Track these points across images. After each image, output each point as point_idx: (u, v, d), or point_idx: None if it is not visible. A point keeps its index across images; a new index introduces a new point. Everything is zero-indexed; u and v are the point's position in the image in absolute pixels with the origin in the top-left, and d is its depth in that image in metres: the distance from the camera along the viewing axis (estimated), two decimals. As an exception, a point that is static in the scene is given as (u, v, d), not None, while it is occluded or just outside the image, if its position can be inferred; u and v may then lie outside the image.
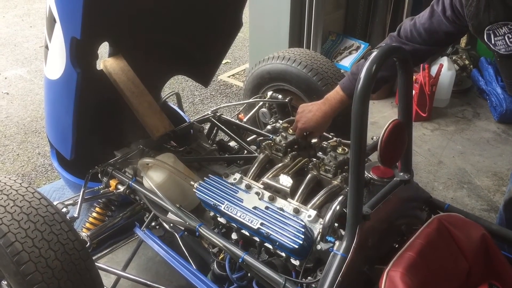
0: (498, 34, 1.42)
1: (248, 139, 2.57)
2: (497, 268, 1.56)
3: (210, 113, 2.65)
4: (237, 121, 2.68)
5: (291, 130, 2.04)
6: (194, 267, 1.93)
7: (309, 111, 1.98)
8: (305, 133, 2.03)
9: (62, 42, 1.76)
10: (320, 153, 1.92)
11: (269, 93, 2.77)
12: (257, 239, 1.71)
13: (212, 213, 1.85)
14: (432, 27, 1.67)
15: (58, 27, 1.77)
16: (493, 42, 1.44)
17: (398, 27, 1.80)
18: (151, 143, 2.27)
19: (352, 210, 1.46)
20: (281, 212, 1.65)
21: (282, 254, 1.66)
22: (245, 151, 2.42)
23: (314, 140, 2.05)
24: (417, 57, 1.75)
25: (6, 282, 1.67)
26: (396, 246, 1.65)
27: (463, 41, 4.46)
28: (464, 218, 1.66)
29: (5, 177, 1.75)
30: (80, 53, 1.76)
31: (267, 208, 1.67)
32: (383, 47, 1.41)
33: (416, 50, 1.72)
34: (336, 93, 1.93)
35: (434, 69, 3.91)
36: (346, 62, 4.30)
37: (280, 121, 2.31)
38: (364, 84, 1.34)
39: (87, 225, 2.18)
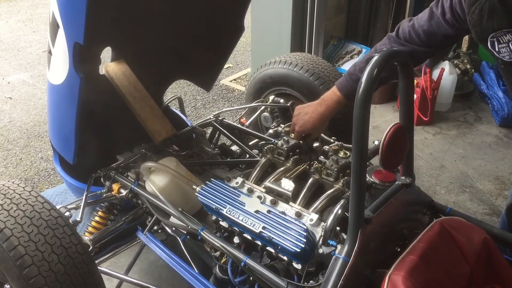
0: (502, 42, 1.41)
1: (250, 143, 2.58)
2: (499, 272, 1.56)
3: (212, 117, 2.65)
4: (239, 125, 2.68)
5: (292, 135, 2.05)
6: (196, 271, 1.93)
7: (305, 114, 1.97)
8: (303, 135, 2.03)
9: (65, 47, 1.77)
10: (321, 157, 1.93)
11: (271, 97, 2.78)
12: (259, 243, 1.72)
13: (214, 217, 1.85)
14: (431, 30, 1.66)
15: (61, 33, 1.78)
16: (497, 49, 1.43)
17: (396, 27, 1.78)
18: (154, 147, 2.28)
19: (354, 214, 1.46)
20: (283, 216, 1.65)
21: (284, 258, 1.66)
22: (247, 155, 2.43)
23: (316, 144, 2.06)
24: (416, 59, 1.74)
25: (9, 286, 1.67)
26: (398, 249, 1.65)
27: (465, 45, 4.46)
28: (466, 222, 1.66)
29: (8, 181, 1.76)
30: (83, 58, 1.77)
31: (269, 212, 1.68)
32: (385, 51, 1.41)
33: (415, 51, 1.71)
34: (332, 94, 1.91)
35: (435, 73, 3.92)
36: (348, 66, 4.29)
37: (282, 125, 2.32)
38: (365, 88, 1.34)
39: (90, 229, 2.18)
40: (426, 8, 1.71)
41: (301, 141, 2.03)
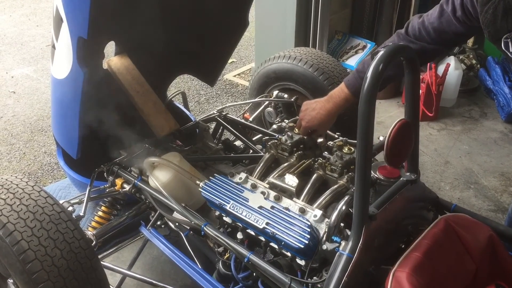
0: None
1: (253, 139, 2.57)
2: (504, 269, 1.55)
3: (215, 112, 2.65)
4: (242, 121, 2.67)
5: (297, 130, 2.04)
6: (200, 267, 1.93)
7: (313, 109, 1.95)
8: (309, 131, 2.02)
9: (69, 41, 1.77)
10: (326, 152, 1.92)
11: (275, 92, 2.77)
12: (262, 238, 1.71)
13: (217, 213, 1.85)
14: (441, 27, 1.63)
15: (65, 27, 1.77)
16: (511, 50, 1.40)
17: (406, 24, 1.76)
18: (157, 142, 2.27)
19: (358, 210, 1.45)
20: (286, 211, 1.64)
21: (287, 254, 1.66)
22: (251, 151, 2.42)
23: (320, 140, 2.04)
24: (425, 56, 1.72)
25: (12, 281, 1.67)
26: (403, 246, 1.64)
27: (470, 40, 4.42)
28: (471, 219, 1.65)
29: (11, 175, 1.75)
30: (87, 53, 1.77)
31: (272, 207, 1.67)
32: (390, 46, 1.40)
33: (424, 49, 1.69)
34: (340, 91, 1.89)
35: (441, 69, 3.89)
36: (352, 61, 4.28)
37: (286, 121, 2.31)
38: (371, 83, 1.33)
39: (93, 224, 2.18)
40: (435, 4, 1.67)
41: (305, 137, 2.02)
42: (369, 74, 1.33)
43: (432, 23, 1.65)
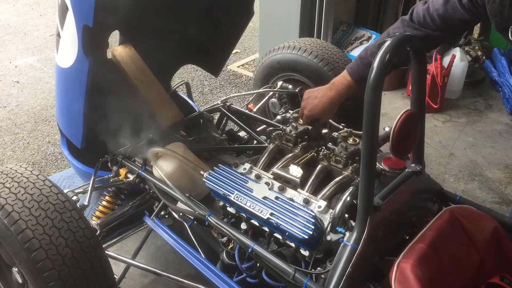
0: None
1: (257, 129, 2.57)
2: (509, 261, 1.55)
3: (220, 102, 2.64)
4: (246, 111, 2.66)
5: (301, 121, 2.03)
6: (203, 256, 1.93)
7: (315, 98, 1.93)
8: (312, 120, 2.00)
9: (74, 30, 1.76)
10: (330, 143, 1.91)
11: (279, 83, 2.75)
12: (266, 229, 1.71)
13: (221, 203, 1.85)
14: (447, 14, 1.61)
15: (70, 15, 1.77)
16: None
17: (410, 10, 1.73)
18: (161, 132, 2.27)
19: (363, 201, 1.45)
20: (291, 202, 1.64)
21: (291, 245, 1.66)
22: (255, 141, 2.42)
23: (324, 131, 2.03)
24: (429, 43, 1.70)
25: (17, 269, 1.68)
26: (407, 237, 1.64)
27: (476, 32, 4.40)
28: (476, 210, 1.64)
29: (15, 164, 1.75)
30: (92, 41, 1.76)
31: (277, 198, 1.67)
32: (397, 36, 1.38)
33: (429, 36, 1.66)
34: (343, 78, 1.87)
35: (446, 60, 3.87)
36: (357, 52, 4.26)
37: (290, 111, 2.30)
38: (377, 73, 1.32)
39: (97, 213, 2.19)
40: None
41: (309, 127, 2.01)
42: (375, 64, 1.32)
43: (437, 9, 1.63)
